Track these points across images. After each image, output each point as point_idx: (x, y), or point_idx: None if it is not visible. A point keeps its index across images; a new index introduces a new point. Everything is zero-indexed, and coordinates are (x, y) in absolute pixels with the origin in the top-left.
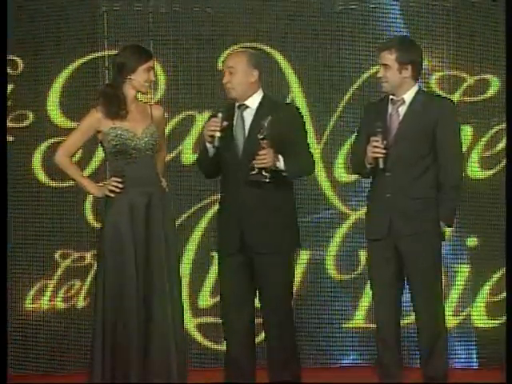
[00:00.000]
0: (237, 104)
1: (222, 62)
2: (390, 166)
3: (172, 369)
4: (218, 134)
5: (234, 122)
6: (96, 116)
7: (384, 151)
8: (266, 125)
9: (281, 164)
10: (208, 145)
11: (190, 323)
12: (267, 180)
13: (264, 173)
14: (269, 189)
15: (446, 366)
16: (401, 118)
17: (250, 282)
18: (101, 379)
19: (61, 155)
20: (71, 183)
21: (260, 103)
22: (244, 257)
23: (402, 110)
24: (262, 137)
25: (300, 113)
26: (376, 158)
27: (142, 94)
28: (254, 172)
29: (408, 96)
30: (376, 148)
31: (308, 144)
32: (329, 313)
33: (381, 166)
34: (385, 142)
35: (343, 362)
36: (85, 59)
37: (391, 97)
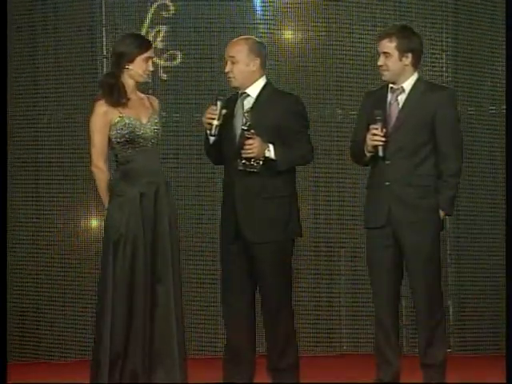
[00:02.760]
0: (239, 92)
1: (225, 50)
2: (390, 154)
3: (174, 352)
4: (215, 123)
5: (236, 111)
6: (103, 109)
7: (383, 139)
8: (247, 115)
9: (271, 153)
10: (207, 132)
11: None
12: (256, 170)
13: (252, 162)
14: (265, 177)
15: (445, 354)
16: (400, 106)
17: (249, 270)
18: (108, 367)
19: (100, 165)
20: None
21: (260, 92)
22: (241, 245)
23: (402, 98)
24: (245, 128)
25: (301, 102)
26: (375, 146)
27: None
28: (242, 162)
29: (407, 84)
30: (375, 136)
31: (307, 134)
32: (328, 300)
33: (380, 154)
34: (384, 131)
35: (341, 349)
36: (83, 47)
37: (391, 85)
